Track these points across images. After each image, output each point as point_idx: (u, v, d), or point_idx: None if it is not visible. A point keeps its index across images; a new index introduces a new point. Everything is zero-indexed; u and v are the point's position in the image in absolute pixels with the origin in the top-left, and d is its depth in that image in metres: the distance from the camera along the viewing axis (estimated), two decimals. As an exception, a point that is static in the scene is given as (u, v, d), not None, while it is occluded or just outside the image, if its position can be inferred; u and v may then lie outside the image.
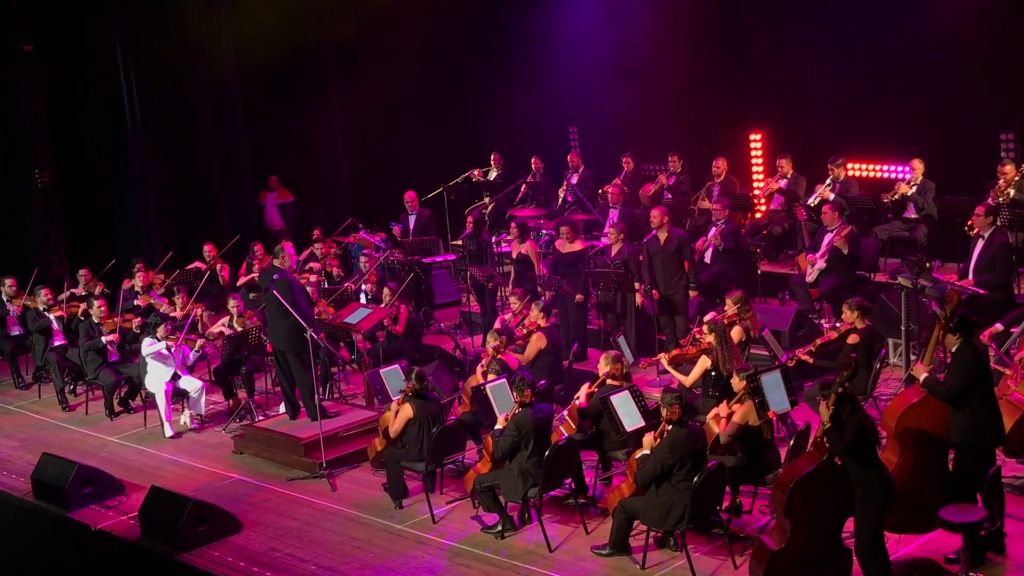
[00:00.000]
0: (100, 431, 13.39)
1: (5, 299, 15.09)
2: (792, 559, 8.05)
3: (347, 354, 14.24)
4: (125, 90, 18.39)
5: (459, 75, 19.93)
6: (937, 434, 8.55)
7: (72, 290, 15.47)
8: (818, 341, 10.94)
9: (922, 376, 8.48)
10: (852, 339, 10.68)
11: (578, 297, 13.66)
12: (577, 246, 14.18)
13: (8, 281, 15.10)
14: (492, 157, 18.58)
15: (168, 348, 12.90)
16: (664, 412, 8.96)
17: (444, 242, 17.67)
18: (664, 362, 11.08)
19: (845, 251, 13.19)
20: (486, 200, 17.96)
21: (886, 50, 15.62)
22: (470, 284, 15.38)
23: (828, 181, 14.95)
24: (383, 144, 20.07)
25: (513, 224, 15.02)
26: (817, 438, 8.07)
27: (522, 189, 18.19)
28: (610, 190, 16.37)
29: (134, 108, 18.49)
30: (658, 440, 8.95)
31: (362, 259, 15.50)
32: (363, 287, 14.64)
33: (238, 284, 15.61)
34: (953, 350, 8.49)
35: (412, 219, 17.06)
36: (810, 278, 13.52)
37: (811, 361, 10.90)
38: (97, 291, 15.05)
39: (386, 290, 13.91)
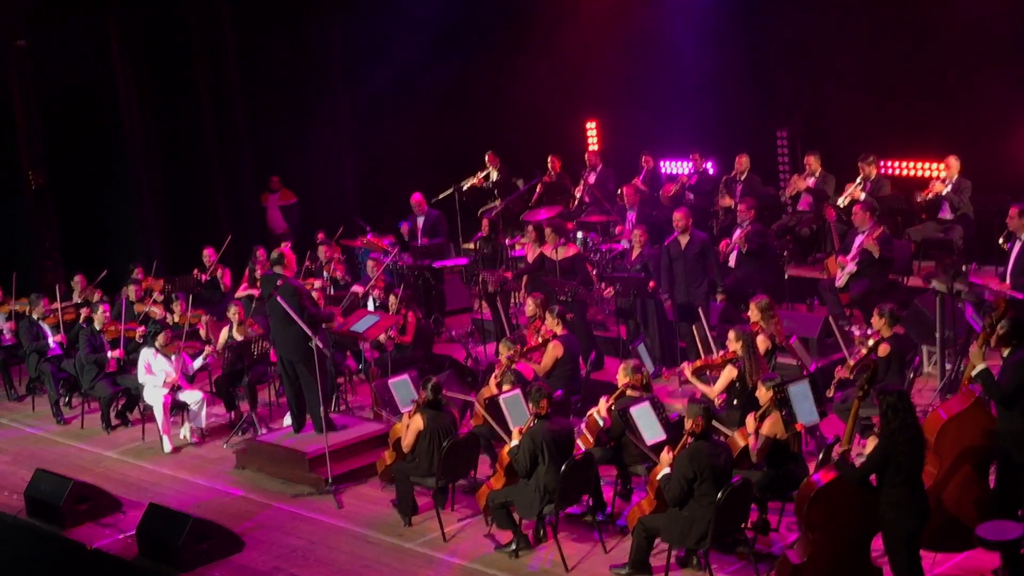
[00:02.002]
0: (96, 445, 13.43)
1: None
2: (816, 573, 8.04)
3: (354, 364, 14.26)
4: (122, 88, 18.45)
5: (471, 69, 19.95)
6: (980, 446, 8.56)
7: (71, 299, 15.46)
8: (850, 363, 10.80)
9: (979, 367, 8.49)
10: (883, 349, 10.62)
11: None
12: (570, 250, 14.21)
13: None
14: (487, 156, 18.54)
15: (164, 363, 12.92)
16: (687, 424, 8.95)
17: (456, 245, 17.69)
18: (687, 372, 11.06)
19: (877, 254, 13.16)
20: (497, 202, 17.98)
21: (920, 42, 15.59)
22: (482, 290, 15.39)
23: (858, 180, 14.92)
24: (391, 143, 20.09)
25: (530, 227, 15.02)
26: (842, 446, 8.09)
27: (538, 189, 18.20)
28: (625, 191, 16.41)
29: (131, 106, 18.56)
30: (674, 456, 8.94)
31: (369, 263, 15.50)
32: (371, 293, 14.64)
33: (237, 295, 15.56)
34: (1005, 354, 8.55)
35: (420, 220, 17.07)
36: (840, 282, 13.48)
37: (851, 377, 10.82)
38: (96, 298, 15.08)
39: (392, 297, 13.92)
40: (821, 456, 8.84)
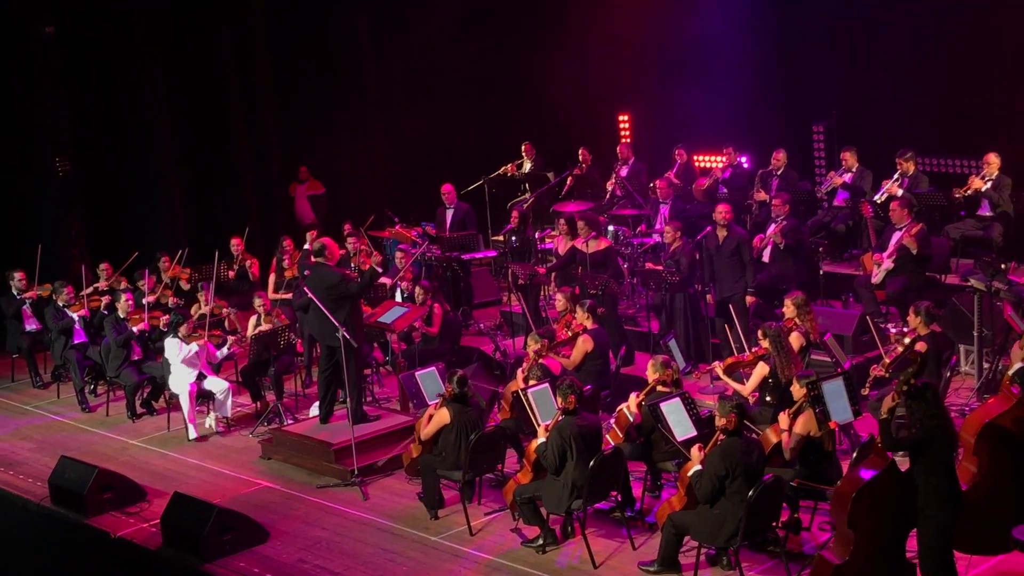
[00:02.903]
0: (121, 433, 13.53)
1: (15, 293, 15.25)
2: (857, 573, 8.02)
3: (381, 355, 14.30)
4: (149, 76, 18.53)
5: (502, 60, 19.96)
6: (1020, 448, 8.50)
7: (95, 285, 15.57)
8: (886, 360, 10.78)
9: (1017, 366, 8.46)
10: (920, 347, 10.57)
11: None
12: (602, 244, 14.20)
13: (17, 275, 15.25)
14: (523, 147, 18.54)
15: (193, 347, 13.00)
16: (719, 421, 8.94)
17: (484, 237, 17.69)
18: (719, 371, 11.04)
19: (914, 251, 13.10)
20: (527, 196, 17.97)
21: (958, 35, 15.49)
22: (511, 283, 15.39)
23: (896, 176, 14.84)
24: (421, 133, 20.11)
25: (562, 220, 15.01)
26: (878, 442, 8.07)
27: (568, 182, 18.18)
28: (658, 184, 16.39)
29: (158, 94, 18.64)
30: (705, 453, 8.92)
31: (397, 255, 15.53)
32: (398, 285, 14.68)
33: (271, 297, 15.50)
34: None
35: (450, 213, 17.08)
36: (876, 279, 13.43)
37: (887, 376, 10.78)
38: (122, 286, 15.16)
39: (418, 288, 13.95)
40: (856, 455, 8.82)
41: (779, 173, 16.03)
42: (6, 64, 17.74)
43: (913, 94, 15.97)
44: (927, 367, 10.37)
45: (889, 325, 13.13)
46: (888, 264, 13.29)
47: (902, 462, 8.11)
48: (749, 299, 13.27)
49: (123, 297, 14.04)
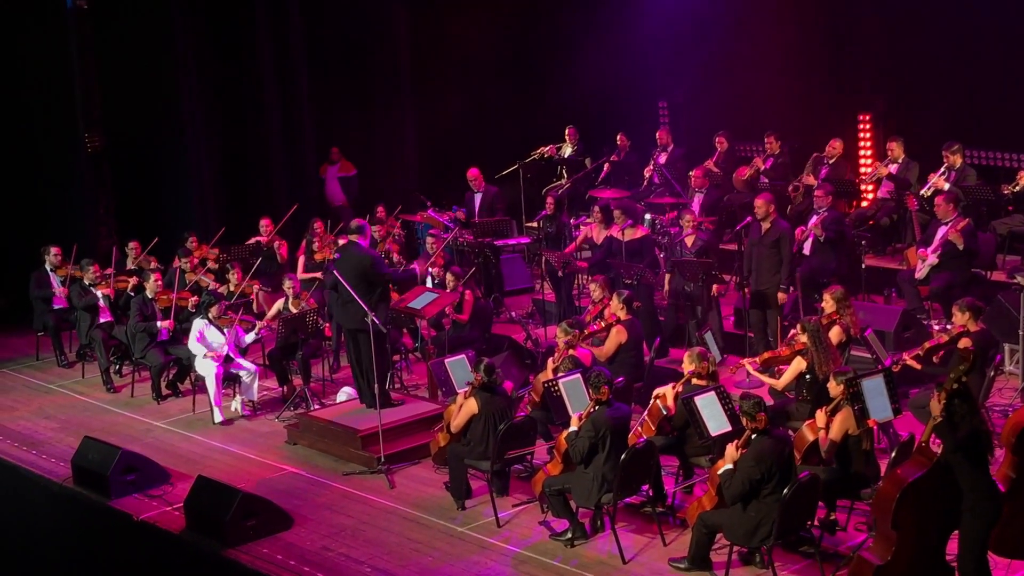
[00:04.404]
0: (146, 415, 13.59)
1: (49, 268, 15.34)
2: (898, 574, 7.96)
3: (410, 342, 14.31)
4: (182, 53, 18.58)
5: (540, 42, 19.90)
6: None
7: (130, 266, 15.62)
8: (926, 345, 10.78)
9: None
10: (963, 343, 10.51)
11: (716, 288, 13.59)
12: (639, 232, 14.15)
13: (53, 250, 15.34)
14: (567, 131, 18.50)
15: (220, 330, 13.05)
16: (746, 422, 8.88)
17: (518, 223, 17.67)
18: (750, 368, 10.97)
19: (960, 246, 12.99)
20: (563, 181, 17.92)
21: (1012, 27, 15.32)
22: (544, 270, 15.36)
23: (942, 169, 14.71)
24: (456, 116, 20.08)
25: (596, 207, 14.96)
26: (922, 441, 8.01)
27: (605, 168, 18.13)
28: (694, 174, 16.30)
29: (191, 71, 18.69)
30: (741, 451, 8.88)
31: (429, 240, 15.55)
32: (429, 270, 14.68)
33: (299, 277, 15.58)
34: None
35: (478, 198, 17.07)
36: (920, 274, 13.33)
37: (918, 367, 10.72)
38: (151, 266, 15.22)
39: (449, 275, 13.96)
40: (895, 454, 8.76)
41: (831, 162, 15.89)
42: (39, 38, 17.82)
43: (963, 84, 15.83)
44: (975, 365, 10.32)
45: (932, 322, 13.03)
46: (933, 259, 13.20)
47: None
48: (781, 295, 13.14)
49: (152, 277, 14.09)
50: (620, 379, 10.63)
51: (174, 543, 10.60)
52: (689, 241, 14.02)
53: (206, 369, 13.07)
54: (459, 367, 11.44)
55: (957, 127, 15.23)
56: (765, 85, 17.47)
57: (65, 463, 12.01)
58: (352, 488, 11.25)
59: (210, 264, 15.61)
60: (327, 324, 14.01)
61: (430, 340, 13.92)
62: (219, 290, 14.59)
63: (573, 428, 9.75)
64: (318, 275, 15.02)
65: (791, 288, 13.21)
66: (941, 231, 13.23)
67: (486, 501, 10.45)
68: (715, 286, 13.47)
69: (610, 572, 9.35)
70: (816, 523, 9.15)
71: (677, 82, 19.13)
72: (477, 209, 17.00)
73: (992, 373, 10.92)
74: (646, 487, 9.96)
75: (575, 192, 17.84)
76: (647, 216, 16.10)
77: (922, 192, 14.72)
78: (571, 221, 16.63)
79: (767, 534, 8.65)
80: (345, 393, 12.98)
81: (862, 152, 17.01)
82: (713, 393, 9.90)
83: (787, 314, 13.17)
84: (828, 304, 11.23)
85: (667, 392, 10.15)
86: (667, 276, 14.07)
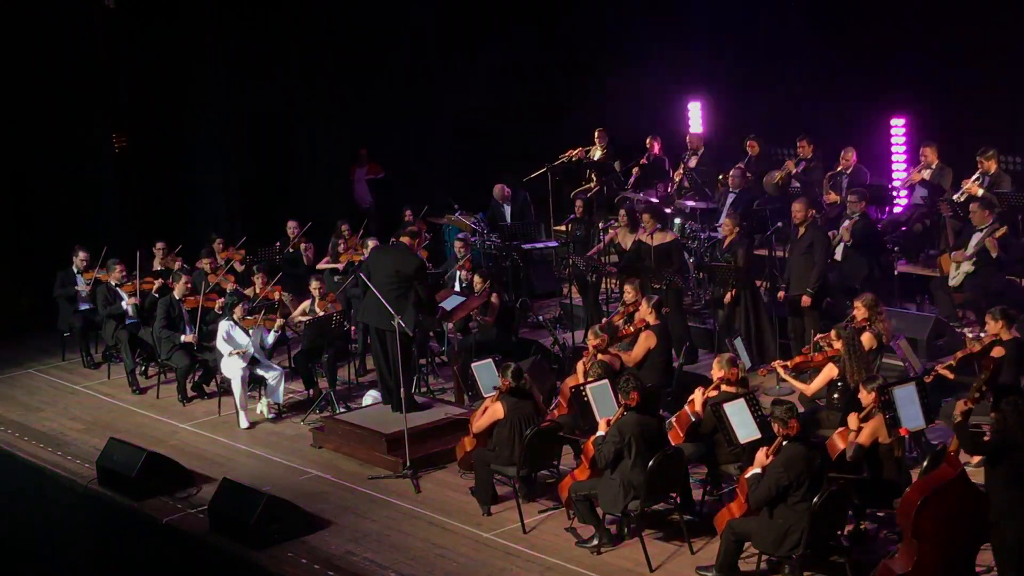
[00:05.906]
0: (171, 417, 13.69)
1: (76, 271, 15.45)
2: (922, 585, 7.96)
3: (437, 345, 14.34)
4: (209, 53, 18.68)
5: (572, 43, 19.88)
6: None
7: (156, 267, 15.69)
8: (959, 354, 10.72)
9: None
10: (997, 352, 10.46)
11: (780, 295, 13.56)
12: (667, 237, 14.15)
13: (82, 254, 15.44)
14: (596, 133, 18.50)
15: (245, 331, 13.11)
16: (777, 427, 8.87)
17: (546, 227, 17.69)
18: (781, 372, 10.96)
19: (994, 254, 12.94)
20: (592, 184, 17.92)
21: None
22: (572, 274, 15.38)
23: (976, 175, 14.63)
24: (485, 118, 20.08)
25: (622, 211, 14.97)
26: (952, 450, 7.99)
27: (635, 172, 18.12)
28: (732, 173, 16.29)
29: (218, 72, 18.79)
30: (771, 457, 8.87)
31: (457, 243, 15.58)
32: (457, 273, 14.72)
33: (317, 267, 15.71)
34: None
35: (507, 209, 17.16)
36: (954, 281, 13.29)
37: (951, 376, 10.68)
38: (176, 267, 15.31)
39: (476, 278, 13.99)
40: (927, 463, 8.74)
41: (848, 172, 15.86)
42: (66, 38, 17.97)
43: (1000, 88, 15.74)
44: (1002, 373, 10.28)
45: (966, 329, 12.97)
46: (967, 266, 13.15)
47: (973, 472, 8.03)
48: (805, 299, 13.09)
49: (181, 279, 14.12)
50: (649, 385, 10.62)
51: (198, 545, 10.67)
52: (727, 242, 13.98)
53: (232, 371, 13.12)
54: (485, 371, 11.44)
55: (992, 132, 15.16)
56: (798, 89, 17.42)
57: (90, 464, 12.12)
58: (377, 492, 11.30)
59: (235, 266, 15.69)
60: (353, 327, 14.06)
61: (456, 344, 13.95)
62: (239, 291, 14.63)
63: (600, 433, 9.77)
64: (338, 265, 15.10)
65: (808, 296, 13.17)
66: (975, 238, 13.18)
67: (511, 507, 10.47)
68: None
69: (637, 579, 9.38)
70: (845, 534, 9.13)
71: (709, 85, 19.11)
72: (509, 217, 17.06)
73: (1025, 382, 10.86)
74: (674, 494, 9.96)
75: (604, 195, 17.83)
76: (676, 220, 16.10)
77: (955, 197, 14.67)
78: (601, 225, 16.63)
79: (796, 543, 8.64)
80: (371, 396, 13.02)
81: (895, 157, 16.95)
82: (743, 400, 9.89)
83: (819, 320, 13.11)
84: (860, 310, 11.20)
85: (696, 397, 10.16)
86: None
